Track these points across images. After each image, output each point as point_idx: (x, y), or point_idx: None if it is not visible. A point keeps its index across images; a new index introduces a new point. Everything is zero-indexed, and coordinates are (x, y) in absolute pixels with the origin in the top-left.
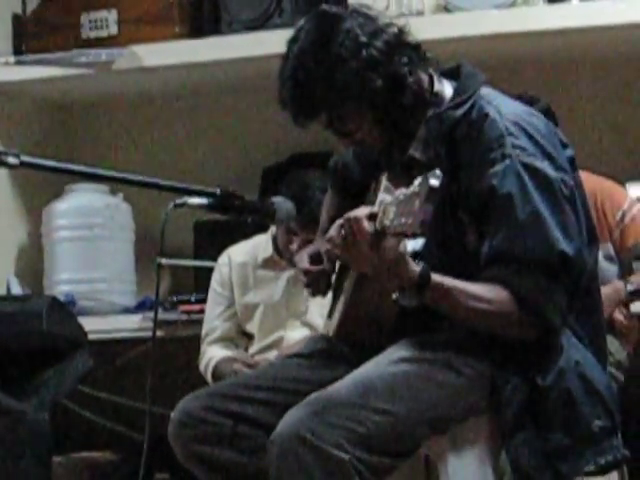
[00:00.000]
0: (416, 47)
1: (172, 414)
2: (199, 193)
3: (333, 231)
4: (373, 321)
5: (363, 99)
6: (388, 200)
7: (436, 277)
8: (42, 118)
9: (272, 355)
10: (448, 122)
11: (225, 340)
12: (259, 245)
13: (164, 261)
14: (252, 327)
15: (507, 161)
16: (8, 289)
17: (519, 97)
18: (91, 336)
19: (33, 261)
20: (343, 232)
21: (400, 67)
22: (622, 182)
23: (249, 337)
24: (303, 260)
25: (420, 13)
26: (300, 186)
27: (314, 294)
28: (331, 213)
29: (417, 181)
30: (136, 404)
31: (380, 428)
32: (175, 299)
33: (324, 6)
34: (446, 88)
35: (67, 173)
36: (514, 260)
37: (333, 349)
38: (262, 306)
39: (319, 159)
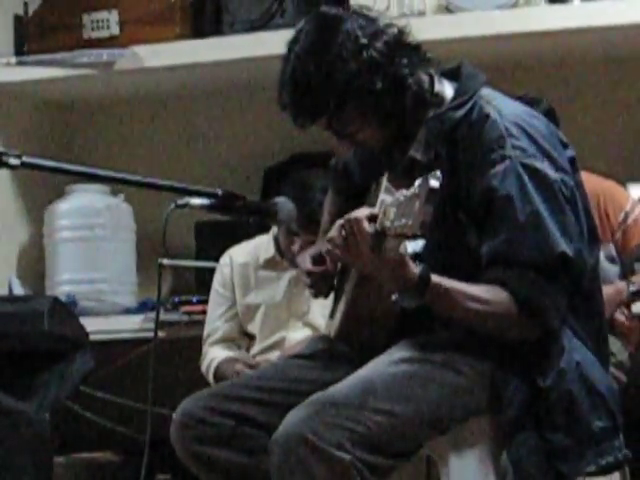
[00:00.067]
0: (416, 48)
1: (174, 415)
2: (200, 194)
3: (334, 232)
4: (374, 321)
5: (364, 100)
6: (388, 201)
7: (436, 278)
8: (43, 118)
9: (274, 356)
10: (449, 123)
11: (227, 341)
12: (261, 246)
13: (165, 262)
14: (254, 328)
15: (507, 162)
16: (10, 289)
17: (520, 98)
18: (92, 337)
19: (35, 262)
20: (343, 233)
21: (400, 68)
22: (623, 182)
23: (251, 338)
24: (306, 261)
25: (422, 13)
26: (301, 187)
27: (316, 295)
28: (332, 214)
29: (417, 182)
30: (137, 405)
31: (381, 428)
32: (176, 300)
33: (324, 7)
34: (447, 89)
35: (68, 174)
36: (513, 261)
37: (334, 350)
38: (264, 307)
39: (320, 159)
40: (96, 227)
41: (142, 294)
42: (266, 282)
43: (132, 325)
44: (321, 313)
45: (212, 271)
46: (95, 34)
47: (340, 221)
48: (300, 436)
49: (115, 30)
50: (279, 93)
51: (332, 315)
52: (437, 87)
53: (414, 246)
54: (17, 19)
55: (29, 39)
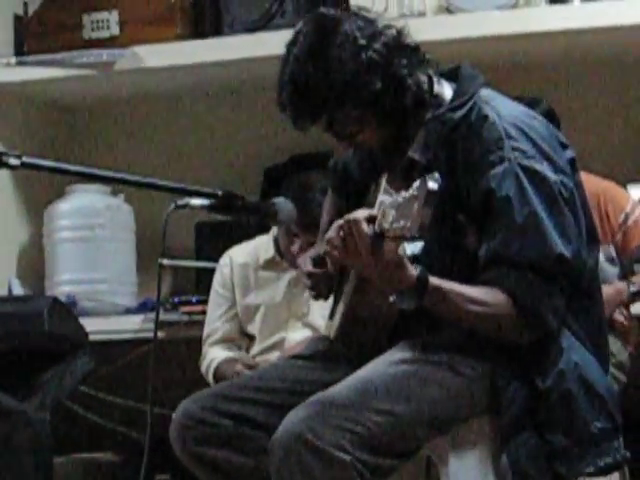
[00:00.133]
0: (415, 49)
1: (173, 415)
2: (201, 194)
3: (332, 232)
4: (374, 322)
5: (363, 102)
6: (387, 202)
7: (434, 280)
8: (43, 119)
9: (273, 356)
10: (448, 124)
11: (226, 341)
12: (260, 246)
13: (165, 262)
14: (253, 328)
15: (506, 163)
16: (9, 290)
17: (520, 99)
18: (92, 337)
19: (34, 262)
20: (342, 234)
21: (399, 69)
22: (623, 183)
23: (250, 338)
24: (306, 263)
25: (422, 14)
26: (301, 187)
27: (317, 297)
28: (331, 214)
29: (415, 184)
30: (137, 405)
31: (381, 429)
32: (176, 300)
33: (322, 9)
34: (445, 90)
35: (68, 174)
36: (512, 263)
37: (334, 350)
38: (263, 307)
39: (320, 160)
40: (96, 227)
41: (142, 294)
42: (266, 283)
43: (132, 325)
44: (321, 314)
45: (212, 271)
46: (95, 34)
47: (338, 222)
48: (300, 437)
49: (115, 30)
50: (278, 95)
51: (331, 316)
52: (436, 88)
53: (413, 248)
54: (17, 19)
55: (29, 39)
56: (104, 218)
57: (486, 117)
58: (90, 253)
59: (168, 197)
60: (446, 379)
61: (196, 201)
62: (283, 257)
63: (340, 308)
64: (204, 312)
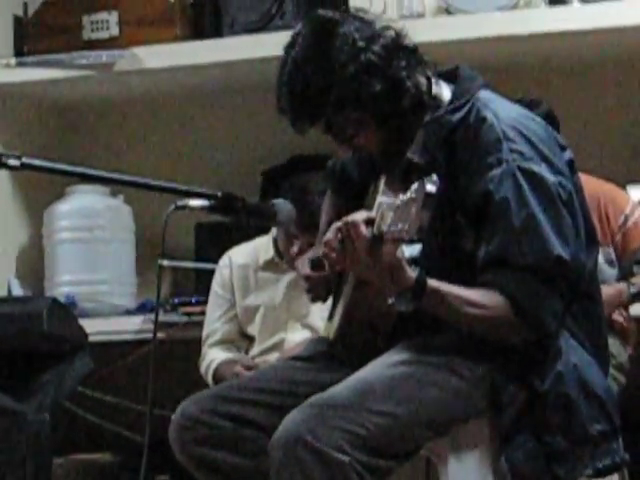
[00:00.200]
0: (414, 50)
1: (173, 416)
2: (200, 195)
3: (330, 234)
4: (372, 324)
5: (362, 104)
6: (385, 205)
7: (432, 283)
8: (43, 120)
9: (273, 357)
10: (446, 126)
11: (226, 342)
12: (260, 247)
13: (165, 263)
14: (253, 329)
15: (504, 166)
16: (9, 290)
17: (520, 100)
18: (92, 338)
19: (34, 262)
20: (340, 236)
21: (398, 71)
22: (623, 185)
23: (250, 339)
24: (304, 266)
25: (421, 15)
26: (300, 189)
27: (314, 300)
28: (330, 215)
29: (414, 187)
30: (137, 406)
31: (380, 430)
32: (176, 301)
33: (321, 11)
34: (444, 91)
35: (68, 175)
36: (509, 265)
37: (333, 352)
38: (263, 308)
39: (319, 162)
40: (96, 228)
41: (141, 295)
42: (265, 284)
43: (131, 326)
44: (320, 315)
45: (211, 272)
46: (95, 35)
47: (337, 224)
48: (299, 438)
49: (115, 31)
50: (277, 97)
51: (330, 317)
52: (435, 89)
53: (411, 251)
54: (17, 20)
55: (29, 40)
56: (104, 219)
57: (484, 119)
58: (90, 254)
59: (168, 198)
60: (445, 381)
61: (196, 202)
62: (283, 258)
63: (339, 309)
64: (203, 313)
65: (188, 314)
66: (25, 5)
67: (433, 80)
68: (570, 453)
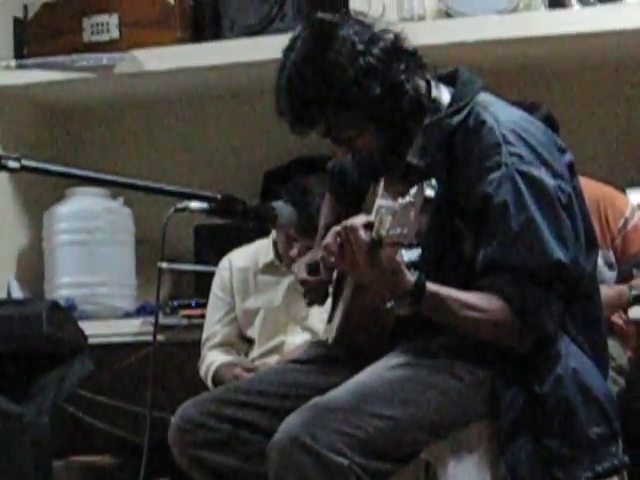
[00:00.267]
0: (413, 53)
1: (172, 419)
2: (200, 197)
3: (329, 238)
4: (372, 326)
5: (361, 107)
6: (384, 209)
7: (431, 286)
8: (43, 122)
9: (273, 360)
10: (445, 129)
11: (225, 345)
12: (260, 250)
13: (165, 265)
14: (253, 332)
15: (503, 169)
16: (9, 293)
17: (519, 103)
18: (91, 340)
19: (34, 265)
20: (339, 240)
21: (398, 74)
22: (622, 188)
23: (250, 342)
24: (301, 269)
25: (421, 18)
26: (300, 191)
27: (311, 304)
28: (329, 218)
29: (412, 191)
30: (136, 408)
31: (379, 433)
32: (175, 304)
33: (320, 14)
34: (443, 94)
35: (68, 177)
36: (509, 269)
37: (333, 355)
38: (263, 311)
39: (320, 164)
40: (95, 230)
41: (141, 298)
42: (265, 287)
43: (131, 329)
44: (320, 318)
45: (211, 275)
46: (95, 38)
47: (336, 228)
48: (298, 440)
49: (115, 34)
50: (276, 101)
51: (330, 320)
52: (434, 92)
53: (410, 255)
54: (17, 22)
55: (29, 42)
56: (103, 221)
57: (484, 122)
58: (89, 256)
59: (167, 200)
60: (445, 384)
61: (195, 204)
62: (282, 261)
63: (338, 312)
64: (203, 316)
65: (188, 317)
66: (25, 7)
67: (432, 83)
68: (570, 456)
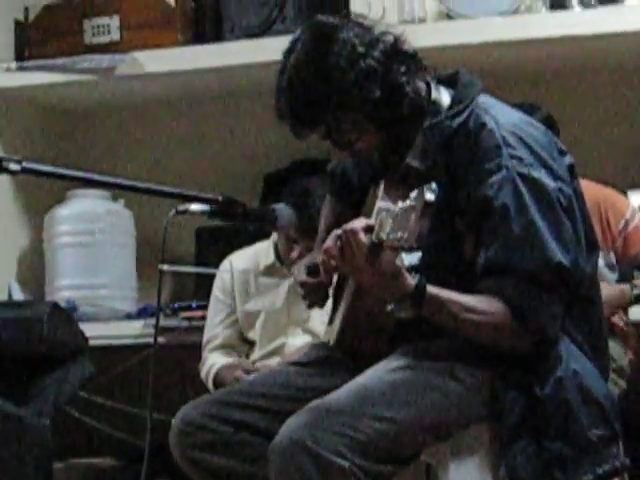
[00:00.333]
0: (413, 55)
1: (173, 421)
2: (201, 200)
3: (329, 242)
4: (373, 329)
5: (362, 110)
6: (385, 212)
7: (432, 289)
8: (44, 124)
9: (274, 362)
10: (446, 132)
11: (226, 347)
12: (261, 252)
13: (166, 267)
14: (254, 334)
15: (503, 172)
16: (9, 294)
17: (519, 105)
18: (92, 342)
19: (35, 267)
20: (339, 243)
21: (398, 76)
22: (623, 190)
23: (250, 344)
24: (300, 272)
25: (422, 20)
26: (301, 193)
27: (310, 306)
28: (329, 220)
29: (413, 194)
30: (137, 410)
31: (380, 435)
32: (176, 306)
33: (320, 16)
34: (443, 96)
35: (69, 179)
36: (509, 272)
37: (333, 357)
38: (263, 313)
39: (321, 166)
40: (96, 232)
41: (142, 300)
42: (266, 289)
43: (132, 331)
44: (321, 320)
45: (212, 277)
46: (96, 39)
47: (336, 231)
48: (299, 443)
49: (116, 36)
50: (276, 103)
51: (331, 322)
52: (434, 94)
53: (410, 259)
54: (18, 24)
55: (30, 44)
56: (104, 223)
57: (484, 125)
58: (90, 258)
59: (168, 202)
60: (445, 386)
61: (196, 207)
62: (283, 263)
63: (339, 314)
64: (204, 318)
65: (188, 319)
66: (26, 9)
67: (432, 85)
68: (570, 458)
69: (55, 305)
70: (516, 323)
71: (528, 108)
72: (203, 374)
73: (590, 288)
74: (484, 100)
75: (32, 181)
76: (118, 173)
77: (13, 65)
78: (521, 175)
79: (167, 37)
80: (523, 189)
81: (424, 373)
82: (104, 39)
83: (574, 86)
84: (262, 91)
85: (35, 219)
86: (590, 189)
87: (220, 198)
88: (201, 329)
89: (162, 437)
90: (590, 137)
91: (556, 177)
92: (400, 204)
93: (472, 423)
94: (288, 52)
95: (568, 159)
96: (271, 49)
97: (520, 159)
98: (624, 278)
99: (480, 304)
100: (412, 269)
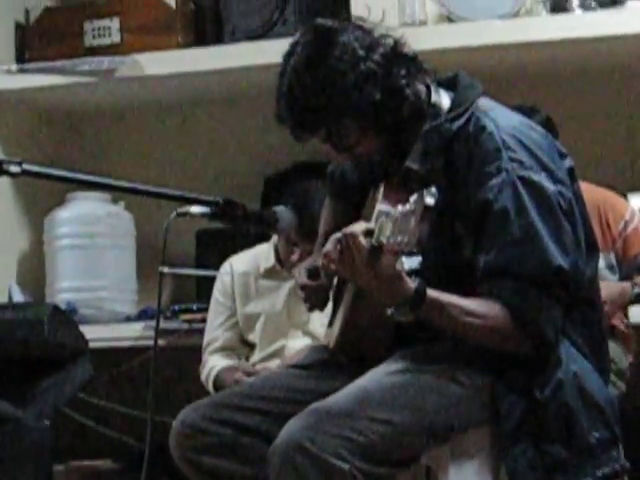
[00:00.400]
0: (413, 58)
1: (173, 423)
2: (201, 202)
3: (329, 245)
4: (373, 332)
5: (362, 113)
6: (384, 215)
7: (432, 293)
8: (44, 126)
9: (274, 364)
10: (445, 135)
11: (226, 349)
12: (261, 255)
13: (166, 270)
14: (254, 337)
15: (503, 175)
16: (10, 297)
17: (518, 108)
18: (92, 344)
19: (35, 269)
20: (339, 247)
21: (398, 79)
22: (623, 193)
23: (251, 347)
24: (301, 275)
25: (423, 23)
26: (302, 196)
27: (311, 309)
28: (329, 224)
29: (413, 198)
30: (137, 412)
31: (380, 437)
32: (177, 308)
33: (320, 19)
34: (443, 99)
35: (69, 181)
36: (509, 275)
37: (333, 359)
38: (264, 316)
39: (321, 169)
40: (96, 235)
41: (142, 302)
42: (266, 291)
43: (132, 333)
44: (321, 322)
45: (212, 279)
46: (96, 42)
47: (336, 235)
48: (299, 445)
49: (116, 38)
50: (276, 107)
51: (330, 325)
52: (434, 97)
53: (410, 263)
54: (18, 26)
55: (30, 47)
56: (104, 226)
57: (484, 128)
58: (90, 261)
59: (169, 205)
60: (445, 388)
61: (197, 209)
62: (283, 266)
63: (339, 317)
64: (204, 320)
65: (189, 321)
66: (27, 11)
67: (432, 88)
68: (570, 462)
69: (55, 307)
70: (516, 326)
71: (528, 111)
72: (203, 376)
73: (590, 291)
74: (484, 103)
75: (32, 183)
76: (118, 175)
77: (13, 67)
78: (521, 178)
79: (168, 39)
80: (523, 192)
81: (424, 376)
82: (104, 41)
83: (574, 89)
84: (263, 94)
85: (35, 221)
86: (590, 191)
87: (221, 200)
88: (201, 331)
89: (162, 439)
90: (590, 140)
91: (556, 180)
92: (400, 208)
93: (472, 426)
94: (288, 55)
95: (568, 162)
96: (272, 52)
97: (520, 162)
98: (624, 279)
99: (480, 307)
100: (412, 273)
